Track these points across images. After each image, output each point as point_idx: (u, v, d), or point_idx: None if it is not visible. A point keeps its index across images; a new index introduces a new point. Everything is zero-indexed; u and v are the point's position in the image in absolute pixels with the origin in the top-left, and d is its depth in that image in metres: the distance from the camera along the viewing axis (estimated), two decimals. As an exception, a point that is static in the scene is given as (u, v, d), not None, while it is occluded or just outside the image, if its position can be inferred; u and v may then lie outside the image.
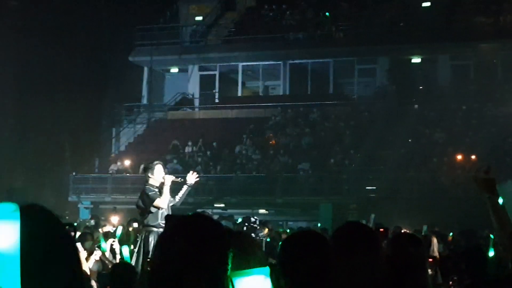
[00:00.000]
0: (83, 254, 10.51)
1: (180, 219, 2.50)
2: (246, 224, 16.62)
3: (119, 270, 7.60)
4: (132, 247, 11.86)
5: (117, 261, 11.38)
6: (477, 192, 4.31)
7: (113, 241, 11.94)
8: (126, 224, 15.88)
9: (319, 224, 27.72)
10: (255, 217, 17.89)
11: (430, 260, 5.43)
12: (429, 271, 5.01)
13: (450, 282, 7.40)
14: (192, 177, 11.24)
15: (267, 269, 3.02)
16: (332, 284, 3.03)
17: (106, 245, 11.92)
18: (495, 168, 4.50)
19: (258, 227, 16.38)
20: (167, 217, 2.24)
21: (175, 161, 37.25)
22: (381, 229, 4.79)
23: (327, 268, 3.02)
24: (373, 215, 17.71)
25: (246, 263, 3.04)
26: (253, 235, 15.13)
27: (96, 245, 11.33)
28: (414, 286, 3.89)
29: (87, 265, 10.71)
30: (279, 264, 3.21)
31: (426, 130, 36.90)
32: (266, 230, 16.26)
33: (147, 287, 2.42)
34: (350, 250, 3.28)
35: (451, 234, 17.62)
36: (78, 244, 10.65)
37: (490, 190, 4.27)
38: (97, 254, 10.90)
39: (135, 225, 12.23)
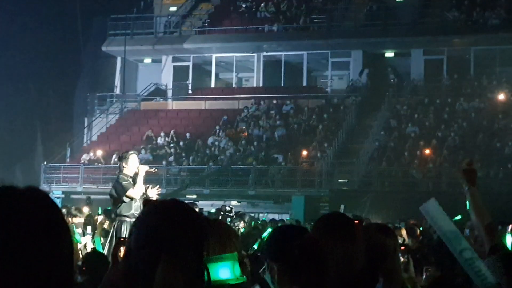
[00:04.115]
0: None
1: (157, 203, 2.49)
2: (222, 213, 16.65)
3: (91, 259, 7.57)
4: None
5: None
6: (451, 185, 4.38)
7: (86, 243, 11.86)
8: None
9: (288, 218, 27.75)
10: (231, 206, 17.91)
11: (402, 248, 5.50)
12: (402, 258, 5.08)
13: (425, 274, 7.44)
14: (153, 191, 11.03)
15: (235, 254, 3.08)
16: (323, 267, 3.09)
17: (80, 237, 11.84)
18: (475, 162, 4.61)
19: (234, 216, 16.42)
20: (144, 202, 2.23)
21: (143, 151, 37.08)
22: (356, 221, 4.84)
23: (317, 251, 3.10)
24: (342, 206, 17.81)
25: (222, 251, 3.06)
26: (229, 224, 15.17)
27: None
28: (386, 275, 3.94)
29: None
30: (269, 251, 3.36)
31: (398, 124, 37.09)
32: (242, 223, 16.29)
33: (120, 273, 2.40)
34: (330, 240, 3.32)
35: (421, 228, 17.70)
36: None
37: (471, 181, 4.36)
38: None
39: (100, 218, 12.18)
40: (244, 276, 3.07)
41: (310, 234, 3.33)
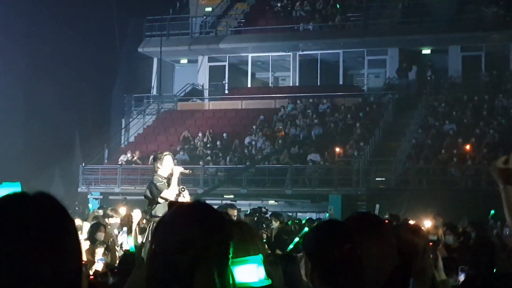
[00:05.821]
0: (85, 244, 10.50)
1: (182, 206, 2.45)
2: (257, 214, 16.64)
3: (125, 260, 7.59)
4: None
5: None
6: (490, 183, 4.30)
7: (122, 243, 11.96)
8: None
9: (327, 215, 27.72)
10: (266, 208, 17.88)
11: (431, 244, 5.44)
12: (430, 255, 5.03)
13: (460, 273, 7.33)
14: (186, 197, 10.99)
15: (260, 257, 3.03)
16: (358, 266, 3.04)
17: (118, 240, 11.93)
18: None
19: (268, 218, 16.40)
20: (169, 204, 2.18)
21: (181, 152, 37.30)
22: (386, 221, 4.80)
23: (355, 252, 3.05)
24: (377, 206, 17.72)
25: (246, 253, 3.01)
26: (264, 225, 15.13)
27: (109, 239, 11.32)
28: (416, 275, 3.89)
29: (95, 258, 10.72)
30: (306, 246, 3.26)
31: (436, 121, 36.79)
32: (278, 223, 16.26)
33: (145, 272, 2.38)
34: (359, 239, 3.27)
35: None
36: (84, 236, 10.66)
37: (506, 180, 4.27)
38: (98, 253, 10.83)
39: (137, 214, 12.21)
40: (269, 279, 3.02)
41: (349, 245, 3.23)
